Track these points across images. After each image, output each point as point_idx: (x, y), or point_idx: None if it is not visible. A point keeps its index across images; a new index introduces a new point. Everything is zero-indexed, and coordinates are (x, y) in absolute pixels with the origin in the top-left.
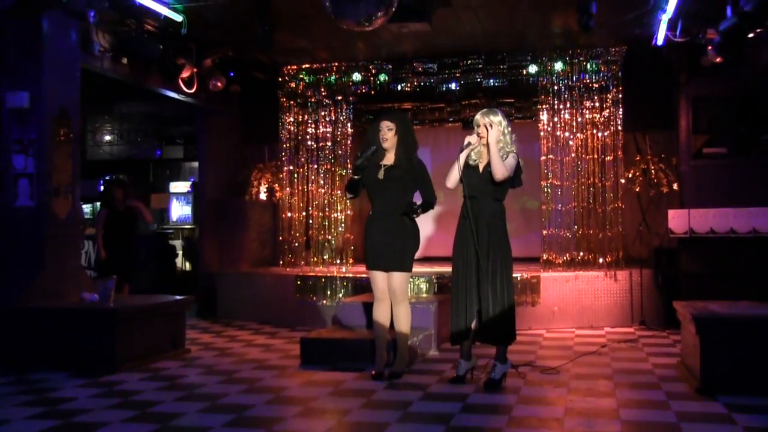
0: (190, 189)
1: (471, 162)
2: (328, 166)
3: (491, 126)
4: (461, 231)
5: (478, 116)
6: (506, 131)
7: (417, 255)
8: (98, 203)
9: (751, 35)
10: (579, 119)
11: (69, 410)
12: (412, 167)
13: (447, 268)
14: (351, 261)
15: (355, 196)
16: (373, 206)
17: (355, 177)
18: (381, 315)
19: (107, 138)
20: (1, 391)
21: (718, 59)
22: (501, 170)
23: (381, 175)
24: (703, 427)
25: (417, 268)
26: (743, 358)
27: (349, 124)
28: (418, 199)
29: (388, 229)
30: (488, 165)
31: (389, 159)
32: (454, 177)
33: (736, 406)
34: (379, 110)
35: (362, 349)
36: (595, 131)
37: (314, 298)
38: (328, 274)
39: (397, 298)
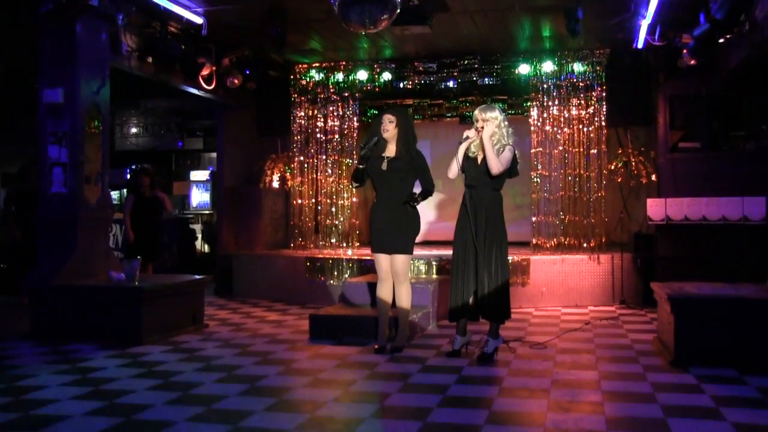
0: (208, 177)
1: (470, 154)
2: (336, 157)
3: (486, 122)
4: (461, 217)
5: (476, 112)
6: (502, 125)
7: (417, 239)
8: (125, 190)
9: (721, 40)
10: (566, 115)
11: (99, 378)
12: (413, 158)
13: (446, 251)
14: (356, 244)
15: (361, 185)
16: (377, 195)
17: (360, 167)
18: (384, 294)
19: (133, 130)
20: (38, 361)
21: (692, 61)
22: (495, 165)
23: (384, 166)
24: (676, 397)
25: (418, 252)
26: (713, 334)
27: (355, 119)
28: (418, 187)
29: (391, 215)
30: (486, 158)
31: (391, 151)
32: (454, 168)
33: (705, 377)
34: (383, 106)
35: (366, 325)
36: (580, 126)
37: (322, 278)
38: (336, 256)
39: (399, 278)
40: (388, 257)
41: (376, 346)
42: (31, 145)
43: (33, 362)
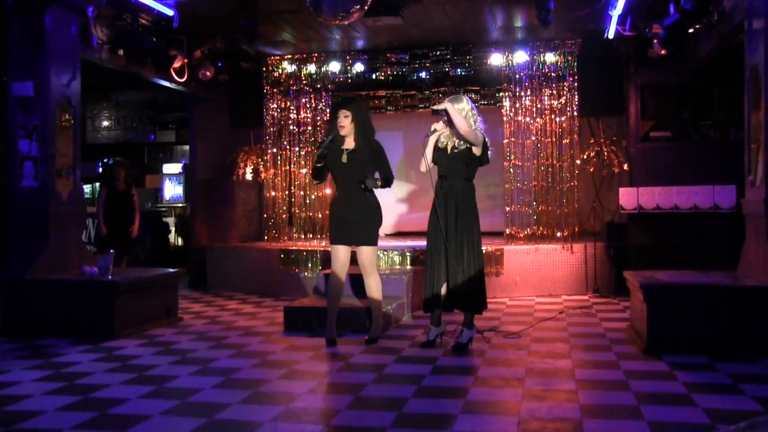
0: (181, 170)
1: (440, 144)
2: (309, 149)
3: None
4: (434, 208)
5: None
6: (470, 114)
7: (391, 230)
8: (97, 183)
9: (691, 30)
10: (538, 105)
11: (73, 373)
12: (372, 150)
13: (419, 242)
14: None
15: (322, 181)
16: (338, 187)
17: (318, 165)
18: (338, 286)
19: (105, 123)
20: (10, 356)
21: (662, 51)
22: (472, 134)
23: (344, 158)
24: (649, 384)
25: (391, 242)
26: (685, 321)
27: (327, 110)
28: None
29: (354, 208)
30: (455, 147)
31: (350, 144)
32: (425, 163)
33: (677, 364)
34: (355, 97)
35: (341, 317)
36: (553, 116)
37: (296, 270)
38: (310, 248)
39: (367, 270)
40: (348, 249)
41: (327, 338)
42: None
43: (5, 358)
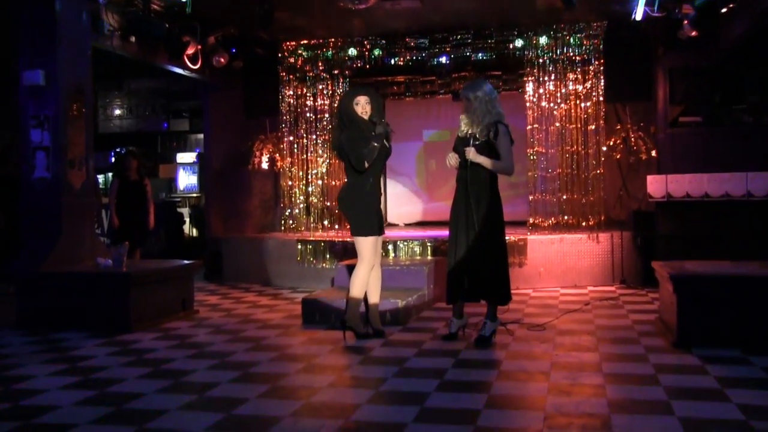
0: (195, 159)
1: (460, 134)
2: (326, 137)
3: (469, 100)
4: (456, 198)
5: (462, 90)
6: (489, 99)
7: (412, 220)
8: (110, 174)
9: (723, 10)
10: (563, 90)
11: (88, 367)
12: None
13: (440, 232)
14: (348, 226)
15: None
16: (372, 177)
17: (376, 144)
18: (370, 278)
19: (117, 112)
20: (25, 350)
21: (693, 33)
22: (507, 168)
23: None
24: (679, 378)
25: (412, 233)
26: (715, 313)
27: None
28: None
29: (378, 196)
30: (476, 137)
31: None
32: (453, 160)
33: (708, 358)
34: (373, 83)
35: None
36: (578, 102)
37: (314, 261)
38: (328, 239)
39: (380, 259)
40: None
41: (370, 331)
42: (10, 128)
43: (21, 352)
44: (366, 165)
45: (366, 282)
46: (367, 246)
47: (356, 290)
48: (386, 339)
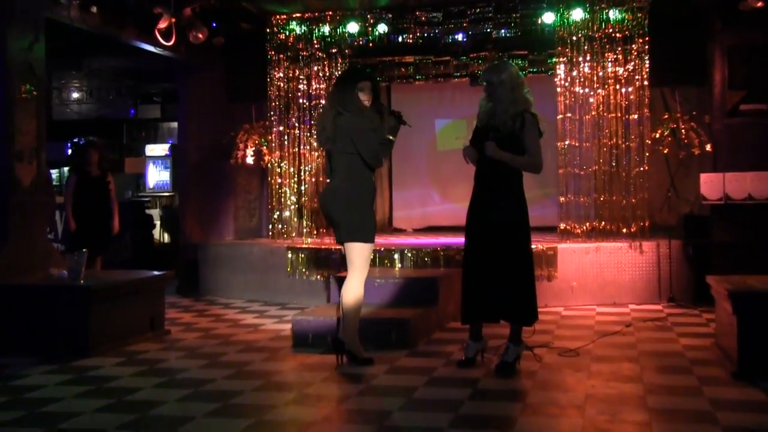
0: (168, 152)
1: (479, 124)
2: None
3: (491, 85)
4: (474, 199)
5: (483, 73)
6: (515, 83)
7: (420, 224)
8: (66, 168)
9: None
10: (600, 73)
11: (36, 399)
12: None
13: (454, 239)
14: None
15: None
16: (371, 173)
17: (392, 138)
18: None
19: (75, 96)
20: None
21: (759, 4)
22: (534, 164)
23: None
24: (741, 416)
25: (421, 239)
26: None
27: None
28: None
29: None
30: (498, 128)
31: None
32: (470, 156)
33: None
34: (377, 64)
35: (362, 329)
36: (618, 87)
37: (307, 273)
38: (323, 246)
39: None
40: None
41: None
42: None
43: None
44: (384, 162)
45: (361, 295)
46: (366, 254)
47: (354, 306)
48: (391, 365)
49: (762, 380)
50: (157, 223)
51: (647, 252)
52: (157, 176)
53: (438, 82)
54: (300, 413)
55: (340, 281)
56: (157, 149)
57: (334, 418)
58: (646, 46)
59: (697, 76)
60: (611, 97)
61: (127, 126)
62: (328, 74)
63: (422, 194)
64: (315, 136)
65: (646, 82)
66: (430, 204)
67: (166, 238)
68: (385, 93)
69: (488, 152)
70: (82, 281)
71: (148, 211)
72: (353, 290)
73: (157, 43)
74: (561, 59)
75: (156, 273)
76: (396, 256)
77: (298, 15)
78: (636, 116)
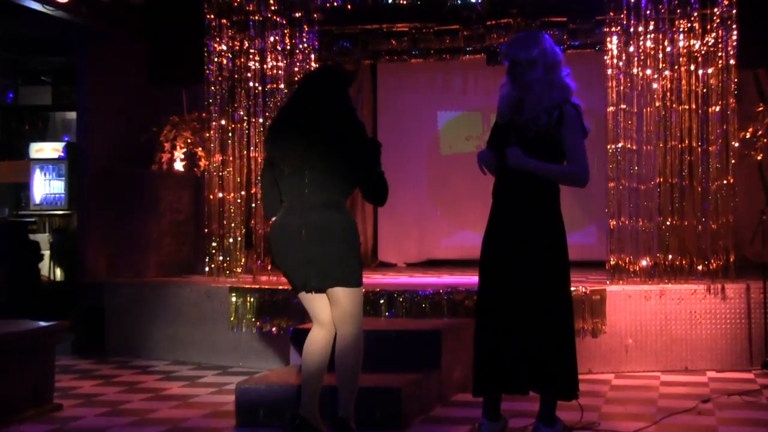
0: (63, 154)
1: (500, 120)
2: None
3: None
4: (492, 224)
5: (505, 47)
6: (551, 63)
7: (416, 258)
8: None
9: None
10: (668, 49)
11: None
12: None
13: (463, 278)
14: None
15: None
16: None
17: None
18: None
19: None
20: None
21: None
22: (579, 176)
23: None
24: None
25: (417, 278)
26: None
27: (312, 56)
28: None
29: None
30: (526, 126)
31: None
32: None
33: None
34: (358, 33)
35: (330, 400)
36: (692, 67)
37: (258, 323)
38: (280, 287)
39: None
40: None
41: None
42: None
43: None
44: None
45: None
46: (361, 299)
47: (357, 370)
48: None
49: None
50: (46, 252)
51: (733, 297)
52: (46, 187)
53: (442, 59)
54: None
55: (302, 336)
56: (46, 149)
57: None
58: (734, 10)
59: None
60: (682, 81)
61: (3, 116)
62: (289, 47)
63: (419, 215)
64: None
65: (732, 61)
66: (430, 229)
67: (59, 274)
68: (369, 75)
69: (512, 161)
70: None
71: (32, 236)
72: (356, 349)
73: (47, 1)
74: (613, 29)
75: (42, 324)
76: (382, 300)
77: None
78: (718, 108)
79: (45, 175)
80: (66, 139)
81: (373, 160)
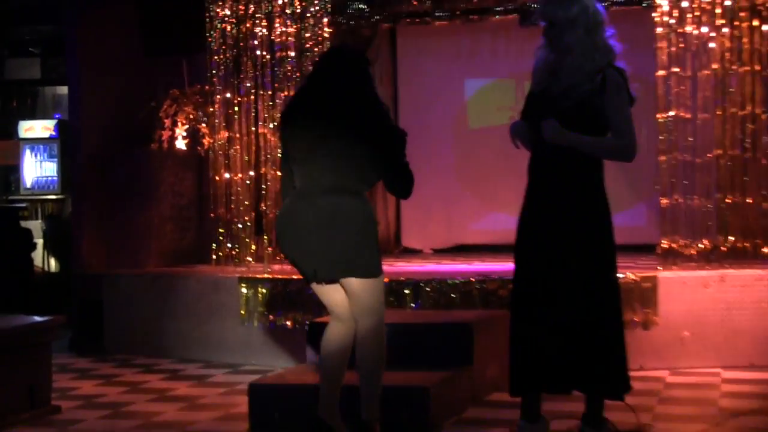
0: (54, 132)
1: (536, 89)
2: (292, 93)
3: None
4: (527, 204)
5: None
6: (592, 22)
7: (443, 243)
8: None
9: None
10: (727, 2)
11: None
12: None
13: (497, 265)
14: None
15: None
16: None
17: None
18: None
19: None
20: None
21: None
22: (625, 147)
23: None
24: None
25: (443, 265)
26: None
27: (325, 20)
28: None
29: None
30: (565, 93)
31: None
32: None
33: None
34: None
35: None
36: (755, 23)
37: (270, 316)
38: (294, 277)
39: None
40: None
41: None
42: None
43: None
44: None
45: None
46: (382, 290)
47: (381, 367)
48: None
49: None
50: (39, 241)
51: None
52: (37, 170)
53: (469, 21)
54: None
55: (319, 330)
56: (36, 128)
57: None
58: None
59: None
60: (744, 39)
61: None
62: (299, 12)
63: (446, 196)
64: None
65: None
66: (458, 211)
67: (53, 264)
68: (388, 40)
69: (548, 134)
70: None
71: (24, 224)
72: (378, 345)
73: None
74: None
75: (37, 319)
76: (407, 291)
77: None
78: None
79: (36, 156)
80: (57, 116)
81: (397, 150)
